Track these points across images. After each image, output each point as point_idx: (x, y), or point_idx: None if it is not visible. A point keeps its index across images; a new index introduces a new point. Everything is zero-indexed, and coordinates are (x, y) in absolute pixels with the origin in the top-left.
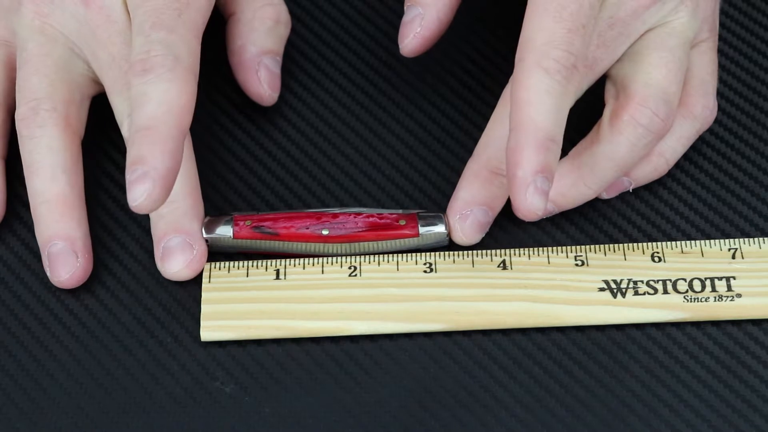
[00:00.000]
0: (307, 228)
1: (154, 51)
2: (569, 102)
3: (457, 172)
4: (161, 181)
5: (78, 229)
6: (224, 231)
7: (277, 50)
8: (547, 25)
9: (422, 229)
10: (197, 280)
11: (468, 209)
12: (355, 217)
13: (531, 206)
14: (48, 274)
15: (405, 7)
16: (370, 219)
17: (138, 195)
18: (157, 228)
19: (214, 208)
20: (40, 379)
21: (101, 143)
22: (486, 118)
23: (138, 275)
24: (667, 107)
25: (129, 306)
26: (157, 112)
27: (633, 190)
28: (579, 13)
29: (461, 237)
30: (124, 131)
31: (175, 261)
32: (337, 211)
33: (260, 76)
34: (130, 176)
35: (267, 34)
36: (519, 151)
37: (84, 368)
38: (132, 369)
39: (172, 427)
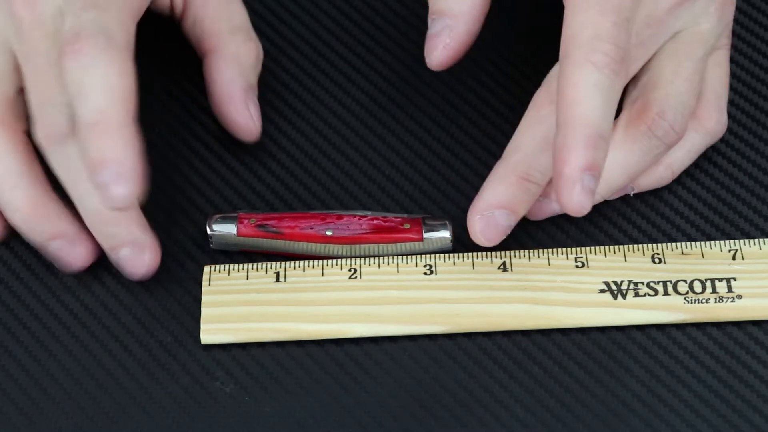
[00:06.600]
0: (311, 228)
1: (85, 31)
2: (617, 98)
3: (463, 177)
4: (130, 173)
5: (71, 223)
6: (228, 228)
7: (256, 86)
8: (592, 18)
9: (426, 234)
10: (198, 280)
11: (490, 211)
12: (359, 219)
13: (578, 205)
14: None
15: (429, 20)
16: (375, 221)
17: (115, 194)
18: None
19: (215, 209)
20: (40, 379)
21: None
22: (494, 123)
23: None
24: (683, 120)
25: (129, 306)
26: (103, 104)
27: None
28: (622, 6)
29: (480, 238)
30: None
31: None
32: (341, 213)
33: (251, 111)
34: (97, 178)
35: (251, 70)
36: (567, 148)
37: (84, 368)
38: (132, 369)
39: (172, 427)
